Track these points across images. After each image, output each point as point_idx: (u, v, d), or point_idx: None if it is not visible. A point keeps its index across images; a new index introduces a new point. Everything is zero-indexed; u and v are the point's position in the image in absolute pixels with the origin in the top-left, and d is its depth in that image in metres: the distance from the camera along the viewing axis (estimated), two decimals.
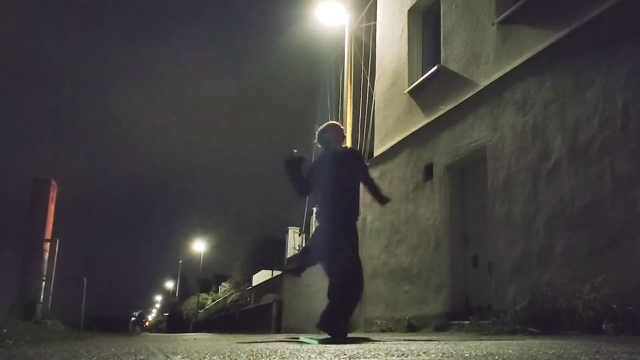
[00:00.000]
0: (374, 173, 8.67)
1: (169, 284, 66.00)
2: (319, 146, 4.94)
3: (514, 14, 6.71)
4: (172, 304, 52.09)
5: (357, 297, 4.57)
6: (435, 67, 8.30)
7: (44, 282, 10.74)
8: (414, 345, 3.13)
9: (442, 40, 8.27)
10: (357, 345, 3.36)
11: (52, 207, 11.10)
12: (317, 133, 4.88)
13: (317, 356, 2.29)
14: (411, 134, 8.77)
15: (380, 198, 4.98)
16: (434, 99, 8.29)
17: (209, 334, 16.71)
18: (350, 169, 4.76)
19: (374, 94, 10.97)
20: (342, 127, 5.02)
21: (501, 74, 6.74)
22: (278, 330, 15.58)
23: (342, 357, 2.25)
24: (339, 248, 4.47)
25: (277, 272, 20.98)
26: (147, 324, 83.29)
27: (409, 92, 9.05)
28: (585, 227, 5.27)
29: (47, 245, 10.92)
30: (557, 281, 5.40)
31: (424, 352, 2.53)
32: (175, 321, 41.04)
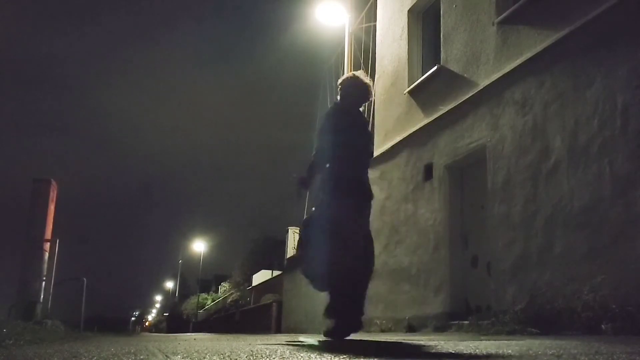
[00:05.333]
0: (374, 173, 8.68)
1: (169, 284, 66.09)
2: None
3: (514, 14, 6.71)
4: (172, 304, 52.13)
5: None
6: (435, 67, 8.30)
7: (44, 282, 10.73)
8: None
9: (442, 40, 8.27)
10: (357, 345, 3.36)
11: (52, 207, 11.09)
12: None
13: (317, 356, 2.29)
14: (411, 134, 8.77)
15: None
16: (433, 99, 8.29)
17: (209, 334, 16.71)
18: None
19: (373, 94, 10.97)
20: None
21: (501, 74, 6.74)
22: (278, 330, 15.59)
23: (342, 357, 2.25)
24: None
25: (277, 272, 20.97)
26: (147, 324, 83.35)
27: (409, 92, 9.05)
28: (584, 227, 5.27)
29: (47, 245, 10.91)
30: (556, 281, 5.40)
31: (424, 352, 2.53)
32: (175, 321, 41.07)
